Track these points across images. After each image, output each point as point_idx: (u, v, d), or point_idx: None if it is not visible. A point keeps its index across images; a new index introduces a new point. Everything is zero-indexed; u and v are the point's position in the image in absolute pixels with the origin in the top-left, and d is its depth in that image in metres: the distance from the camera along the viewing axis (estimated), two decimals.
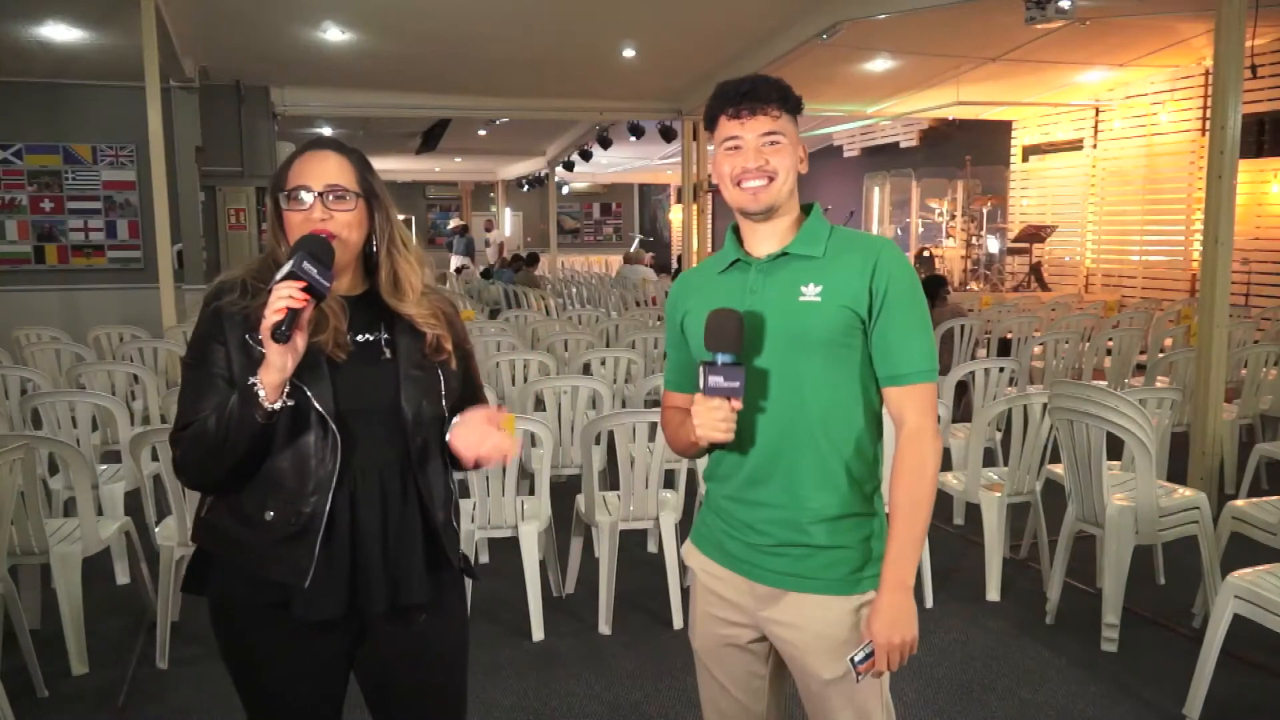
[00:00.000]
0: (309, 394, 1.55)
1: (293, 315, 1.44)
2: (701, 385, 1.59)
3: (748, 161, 1.62)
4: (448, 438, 1.69)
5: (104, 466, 4.30)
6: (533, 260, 13.26)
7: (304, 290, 1.45)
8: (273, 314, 1.43)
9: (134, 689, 3.18)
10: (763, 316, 1.65)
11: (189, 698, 3.10)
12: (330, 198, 1.59)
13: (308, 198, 1.59)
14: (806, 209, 1.73)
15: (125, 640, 3.54)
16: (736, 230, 1.75)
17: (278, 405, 1.50)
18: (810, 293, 1.62)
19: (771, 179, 1.63)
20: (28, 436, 3.33)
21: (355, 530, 1.60)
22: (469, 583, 1.70)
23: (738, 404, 1.58)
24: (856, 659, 1.60)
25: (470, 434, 1.65)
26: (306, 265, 1.46)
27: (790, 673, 1.76)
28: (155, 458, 3.98)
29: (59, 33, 7.68)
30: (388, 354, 1.66)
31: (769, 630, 1.71)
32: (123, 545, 3.91)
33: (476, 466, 1.71)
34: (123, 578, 4.03)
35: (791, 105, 1.66)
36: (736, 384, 1.57)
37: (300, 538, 1.56)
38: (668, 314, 1.85)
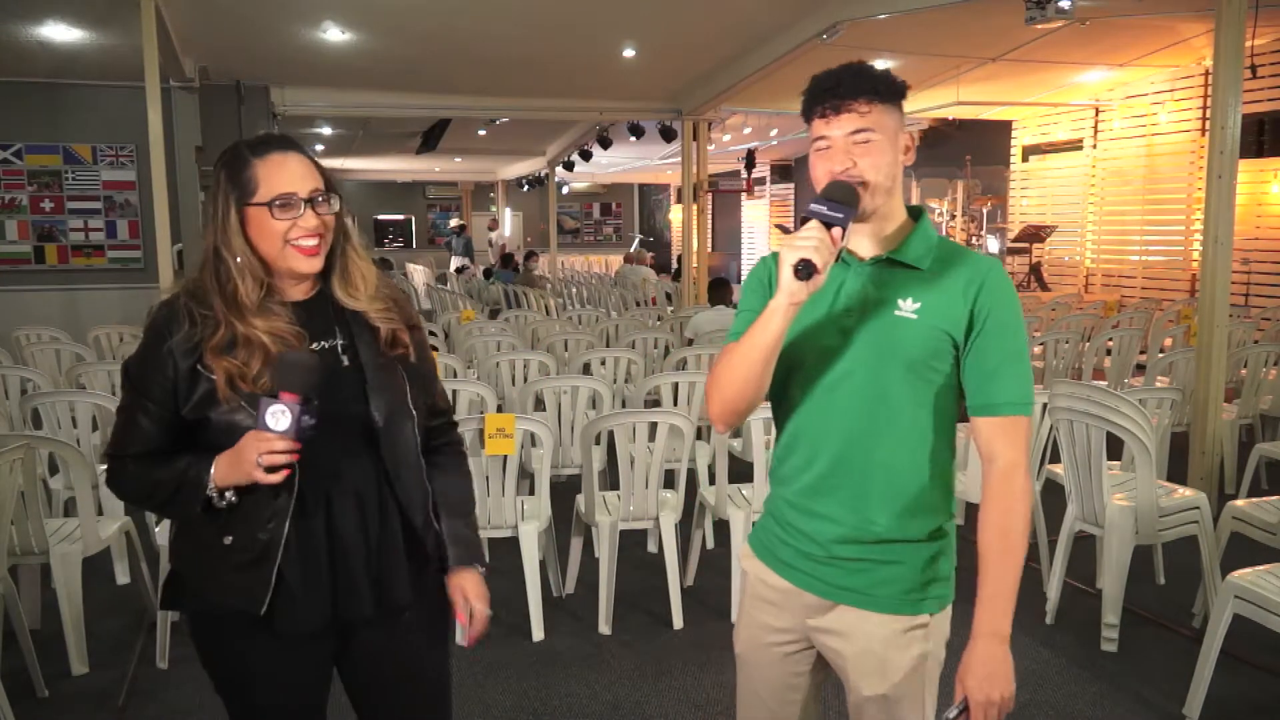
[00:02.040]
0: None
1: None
2: (802, 214, 1.46)
3: (834, 164, 1.51)
4: (449, 581, 1.70)
5: (104, 466, 4.28)
6: (528, 257, 13.32)
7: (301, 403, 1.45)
8: (271, 473, 1.45)
9: (134, 689, 3.18)
10: (854, 322, 1.56)
11: (189, 698, 3.09)
12: (319, 200, 1.54)
13: (299, 205, 1.51)
14: (915, 212, 1.62)
15: (125, 640, 3.54)
16: None
17: (226, 500, 1.52)
18: (907, 308, 1.53)
19: (863, 185, 1.50)
20: (28, 436, 3.33)
21: (334, 544, 1.57)
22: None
23: (838, 235, 1.43)
24: (950, 716, 1.50)
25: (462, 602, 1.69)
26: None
27: (828, 690, 1.72)
28: None
29: (59, 33, 7.67)
30: (346, 360, 1.60)
31: (816, 639, 1.65)
32: (123, 545, 3.91)
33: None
34: (123, 578, 4.03)
35: (887, 94, 1.51)
36: (841, 215, 1.43)
37: (258, 565, 1.53)
38: (757, 270, 1.70)
